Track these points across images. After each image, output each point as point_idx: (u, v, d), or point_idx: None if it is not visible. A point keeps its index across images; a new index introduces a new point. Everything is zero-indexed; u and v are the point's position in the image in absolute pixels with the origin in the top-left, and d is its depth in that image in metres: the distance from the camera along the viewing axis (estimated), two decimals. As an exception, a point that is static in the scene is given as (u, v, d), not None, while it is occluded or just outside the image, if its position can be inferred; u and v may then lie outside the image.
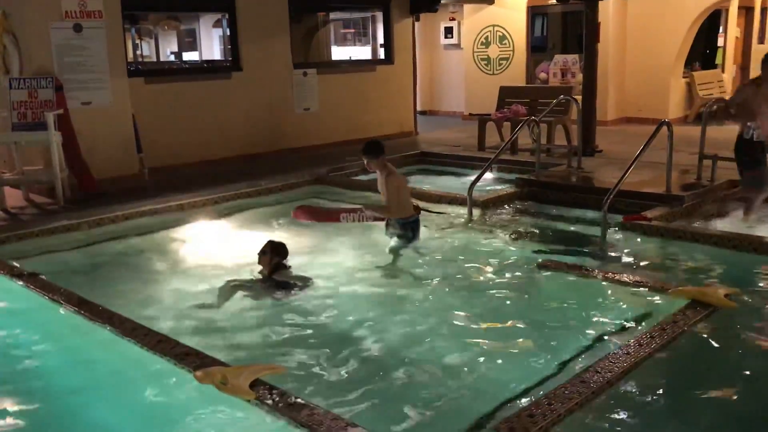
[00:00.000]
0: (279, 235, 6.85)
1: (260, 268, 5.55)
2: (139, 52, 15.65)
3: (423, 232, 6.39)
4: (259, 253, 5.53)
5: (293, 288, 5.33)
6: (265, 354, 4.30)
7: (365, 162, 6.18)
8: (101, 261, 6.35)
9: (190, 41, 18.49)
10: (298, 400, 3.28)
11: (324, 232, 6.78)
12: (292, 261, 5.72)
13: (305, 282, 5.44)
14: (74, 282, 5.44)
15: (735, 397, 3.67)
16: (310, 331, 4.64)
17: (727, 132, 11.32)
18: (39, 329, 4.83)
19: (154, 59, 16.64)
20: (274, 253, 5.50)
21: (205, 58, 17.65)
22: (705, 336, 4.23)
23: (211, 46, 18.31)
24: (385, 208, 6.14)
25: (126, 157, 8.70)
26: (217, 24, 16.59)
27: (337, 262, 5.97)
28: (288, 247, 5.67)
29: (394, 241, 6.19)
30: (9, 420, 3.65)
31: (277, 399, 3.28)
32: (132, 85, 8.94)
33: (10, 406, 3.79)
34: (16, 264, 5.70)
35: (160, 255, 6.42)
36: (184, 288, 5.56)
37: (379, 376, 4.00)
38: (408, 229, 6.20)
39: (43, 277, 5.34)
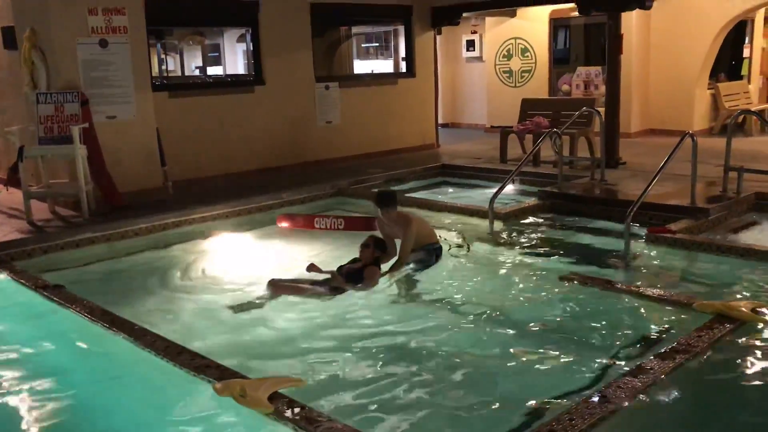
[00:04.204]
0: (302, 248, 6.92)
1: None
2: (164, 67, 15.86)
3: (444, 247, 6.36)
4: (361, 246, 5.73)
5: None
6: (285, 367, 4.29)
7: (379, 213, 5.92)
8: (125, 273, 6.42)
9: (214, 56, 18.70)
10: (317, 413, 3.27)
11: (345, 242, 6.82)
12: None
13: (331, 294, 5.47)
14: (97, 294, 5.50)
15: (759, 414, 3.59)
16: (329, 344, 4.64)
17: (753, 144, 11.19)
18: (62, 341, 4.89)
19: (179, 74, 16.84)
20: (376, 247, 5.72)
21: (229, 72, 17.84)
22: (731, 351, 4.15)
23: (235, 60, 18.51)
24: (400, 262, 5.80)
25: (150, 170, 8.79)
26: (241, 39, 16.77)
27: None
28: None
29: (412, 266, 5.92)
30: (33, 428, 3.70)
31: (296, 412, 3.28)
32: (156, 99, 9.04)
33: (33, 414, 3.83)
34: (41, 276, 5.78)
35: (183, 267, 6.46)
36: (205, 300, 5.59)
37: (399, 388, 3.97)
38: (432, 255, 6.01)
39: (68, 289, 5.40)
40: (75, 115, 7.88)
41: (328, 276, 5.64)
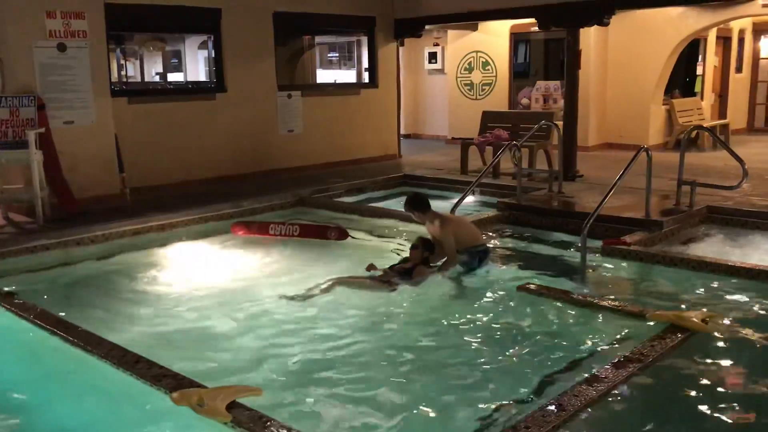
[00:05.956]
0: (259, 255, 6.89)
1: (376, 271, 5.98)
2: (123, 73, 15.63)
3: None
4: (411, 247, 6.06)
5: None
6: (244, 376, 4.27)
7: (413, 216, 6.27)
8: (80, 281, 6.30)
9: (175, 62, 18.50)
10: (276, 422, 3.26)
11: (313, 253, 6.82)
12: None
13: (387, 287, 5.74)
14: (52, 302, 5.41)
15: (710, 421, 3.69)
16: (290, 354, 4.62)
17: (705, 159, 11.51)
18: (14, 349, 4.78)
19: (139, 80, 16.62)
20: (424, 248, 6.02)
21: (190, 79, 17.65)
22: (682, 360, 4.25)
23: (196, 67, 18.32)
24: (449, 261, 6.04)
25: (108, 176, 8.66)
26: (203, 45, 16.63)
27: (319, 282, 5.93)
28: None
29: (457, 267, 6.10)
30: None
31: (255, 421, 3.26)
32: (115, 105, 8.93)
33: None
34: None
35: (139, 275, 6.37)
36: (162, 309, 5.52)
37: (355, 400, 3.98)
38: (475, 258, 6.15)
39: (20, 296, 5.28)
40: (31, 119, 7.73)
41: (382, 273, 5.94)
